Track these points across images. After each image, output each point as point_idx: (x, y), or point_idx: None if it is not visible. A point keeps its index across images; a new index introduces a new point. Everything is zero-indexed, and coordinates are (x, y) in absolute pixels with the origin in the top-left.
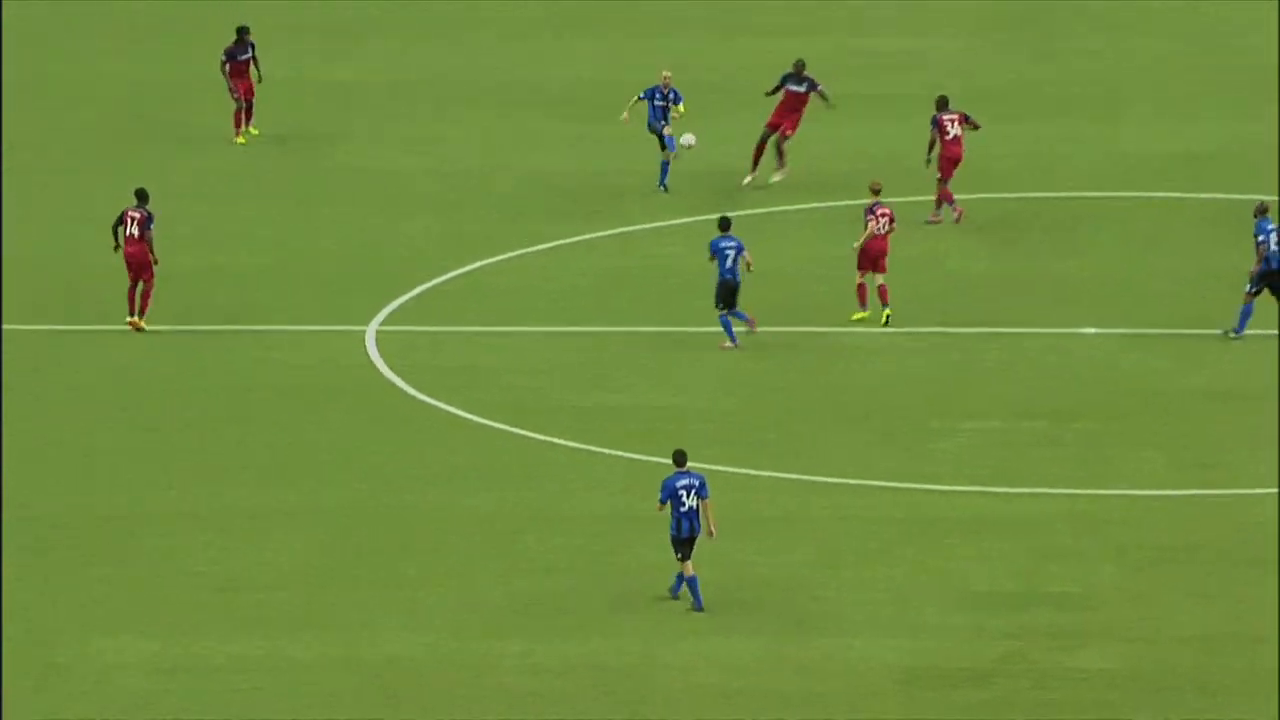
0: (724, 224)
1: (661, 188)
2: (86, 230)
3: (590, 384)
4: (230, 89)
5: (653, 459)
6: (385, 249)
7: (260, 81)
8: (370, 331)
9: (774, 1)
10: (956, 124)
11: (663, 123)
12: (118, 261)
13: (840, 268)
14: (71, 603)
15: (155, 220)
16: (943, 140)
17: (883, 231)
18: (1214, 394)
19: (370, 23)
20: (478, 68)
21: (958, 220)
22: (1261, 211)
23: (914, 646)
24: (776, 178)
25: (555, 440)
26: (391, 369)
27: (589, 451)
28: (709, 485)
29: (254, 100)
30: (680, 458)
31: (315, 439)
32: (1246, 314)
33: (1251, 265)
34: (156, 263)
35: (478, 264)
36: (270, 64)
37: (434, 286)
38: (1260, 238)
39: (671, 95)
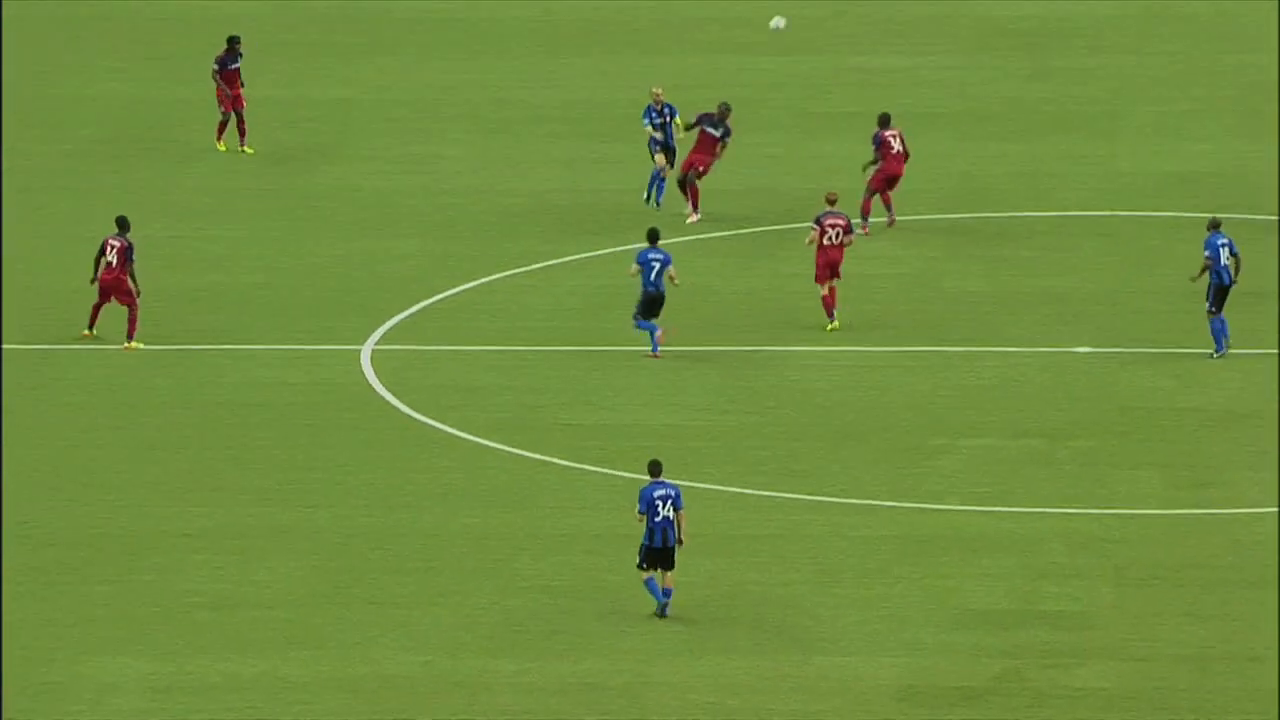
0: (652, 236)
1: (656, 205)
2: (80, 249)
3: (585, 403)
4: (219, 98)
5: (648, 479)
6: (380, 268)
7: (243, 86)
8: (365, 351)
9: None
10: (898, 140)
11: (661, 138)
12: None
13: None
14: (67, 622)
15: (135, 250)
16: (886, 155)
17: (837, 242)
18: (1210, 413)
19: (365, 42)
20: (472, 87)
21: (867, 232)
22: (1214, 226)
23: (910, 665)
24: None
25: (550, 459)
26: (386, 388)
27: (583, 470)
28: (683, 497)
29: (244, 113)
30: (656, 468)
31: (310, 458)
32: (1218, 331)
33: (1191, 277)
34: (139, 294)
35: (473, 283)
36: (266, 82)
37: (429, 306)
38: (1208, 252)
39: (667, 111)
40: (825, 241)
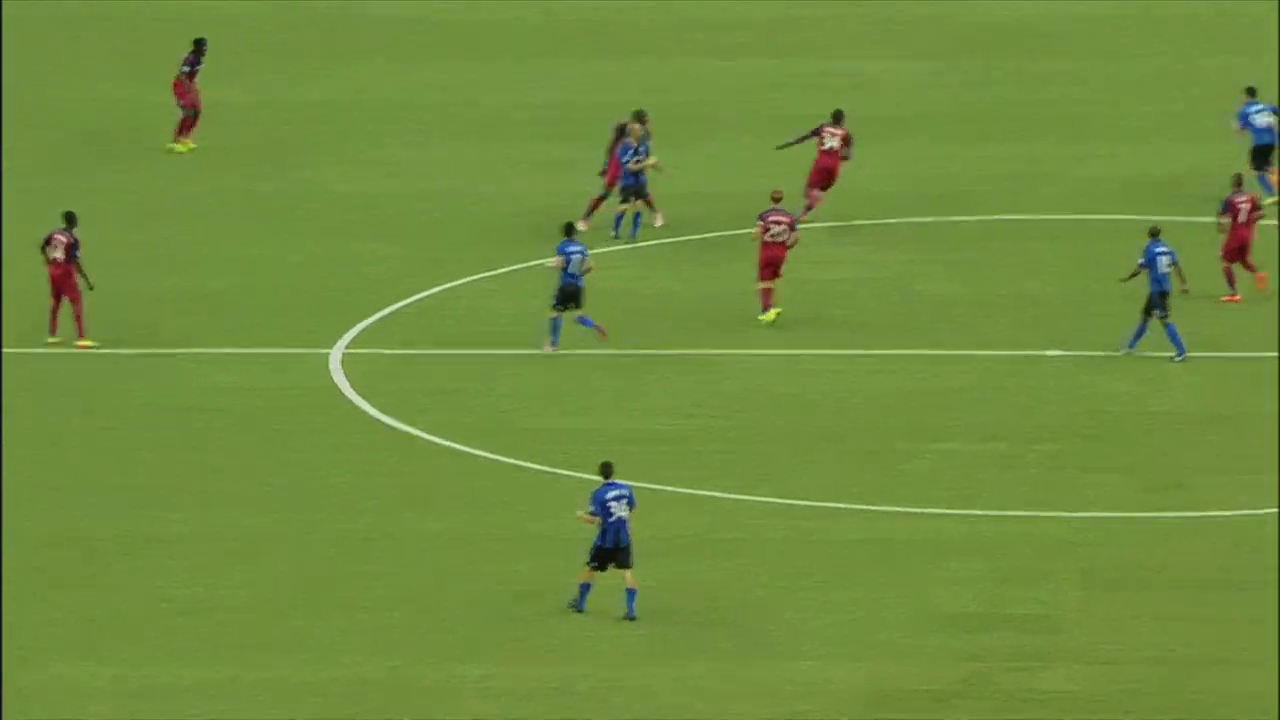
0: (569, 229)
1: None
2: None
3: (556, 407)
4: (180, 96)
5: (619, 482)
6: (351, 271)
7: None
8: (335, 354)
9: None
10: (837, 139)
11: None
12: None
13: (803, 288)
14: (35, 627)
15: (80, 246)
16: (818, 149)
17: (780, 239)
18: (1177, 416)
19: (337, 45)
20: (445, 91)
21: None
22: (1154, 234)
23: (878, 669)
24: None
25: (520, 463)
26: (357, 391)
27: (554, 474)
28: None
29: (198, 114)
30: (607, 469)
31: (279, 462)
32: (1172, 334)
33: (1121, 279)
34: (91, 287)
35: (444, 286)
36: (238, 85)
37: (400, 309)
38: (1143, 259)
39: (643, 149)
40: (768, 238)
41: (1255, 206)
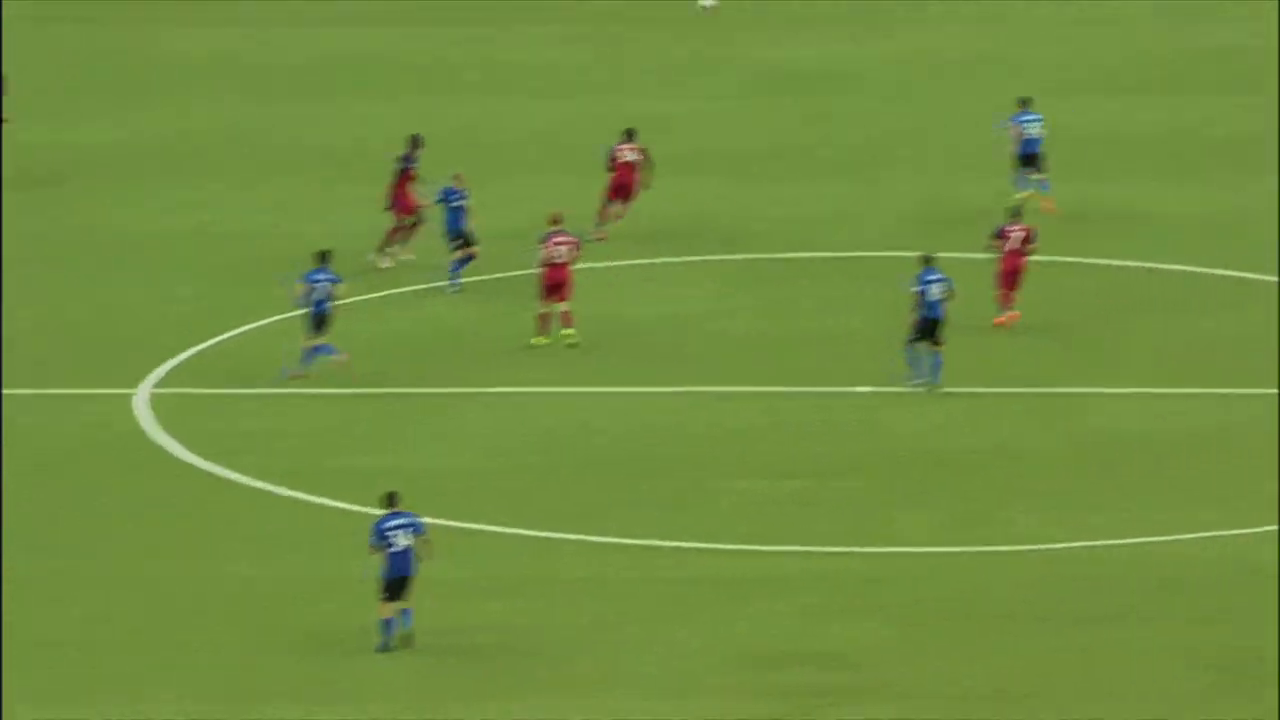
0: (322, 256)
1: (455, 286)
2: None
3: (368, 446)
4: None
5: (438, 521)
6: (153, 312)
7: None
8: (139, 396)
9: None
10: (635, 153)
11: (462, 225)
12: None
13: (610, 325)
14: None
15: None
16: (617, 166)
17: (562, 260)
18: (981, 451)
19: (132, 84)
20: (247, 129)
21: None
22: (925, 261)
23: (689, 706)
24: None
25: (330, 503)
26: (164, 432)
27: (366, 514)
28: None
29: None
30: (391, 499)
31: (81, 505)
32: (915, 362)
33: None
34: None
35: (248, 327)
36: (35, 124)
37: (204, 349)
38: (916, 288)
39: (465, 194)
40: (554, 260)
41: (1029, 239)
